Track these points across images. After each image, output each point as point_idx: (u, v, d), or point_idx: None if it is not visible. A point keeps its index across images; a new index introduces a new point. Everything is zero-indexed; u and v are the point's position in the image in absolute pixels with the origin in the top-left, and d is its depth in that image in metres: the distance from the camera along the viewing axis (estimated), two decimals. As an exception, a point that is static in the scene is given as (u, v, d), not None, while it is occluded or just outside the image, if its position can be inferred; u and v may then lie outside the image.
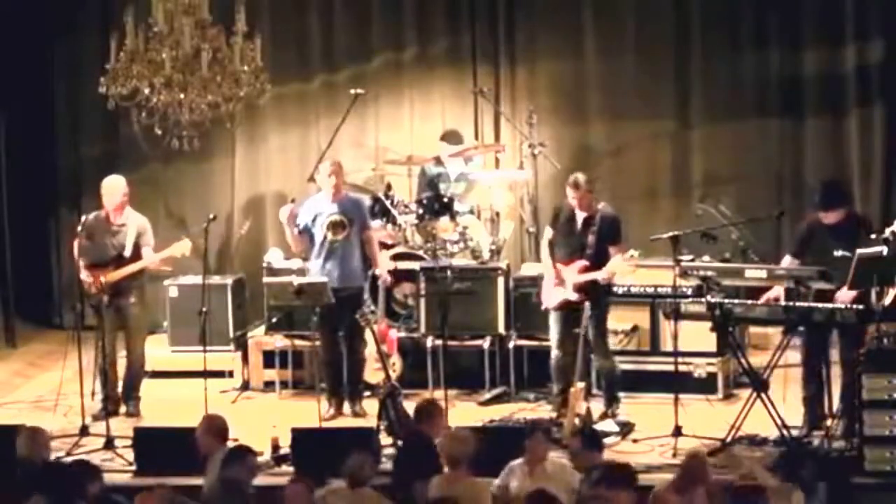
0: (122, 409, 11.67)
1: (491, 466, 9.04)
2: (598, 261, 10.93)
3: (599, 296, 10.98)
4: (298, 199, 11.93)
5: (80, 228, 11.49)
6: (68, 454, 10.46)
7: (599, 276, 10.87)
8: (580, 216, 11.04)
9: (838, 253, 10.36)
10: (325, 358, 11.55)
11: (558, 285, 11.02)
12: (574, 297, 10.97)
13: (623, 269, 10.91)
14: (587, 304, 10.93)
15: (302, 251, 11.81)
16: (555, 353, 11.19)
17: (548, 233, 11.31)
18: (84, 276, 11.51)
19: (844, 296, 10.22)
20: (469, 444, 8.78)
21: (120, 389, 11.75)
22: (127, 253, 11.51)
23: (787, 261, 10.69)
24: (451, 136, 13.23)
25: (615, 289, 11.91)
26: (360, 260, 11.57)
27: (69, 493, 8.27)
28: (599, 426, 10.72)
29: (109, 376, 11.59)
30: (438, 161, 13.12)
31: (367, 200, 12.45)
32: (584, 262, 10.95)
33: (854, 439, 10.00)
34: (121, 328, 11.71)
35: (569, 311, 11.05)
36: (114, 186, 11.68)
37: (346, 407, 11.57)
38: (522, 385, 12.04)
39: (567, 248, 11.07)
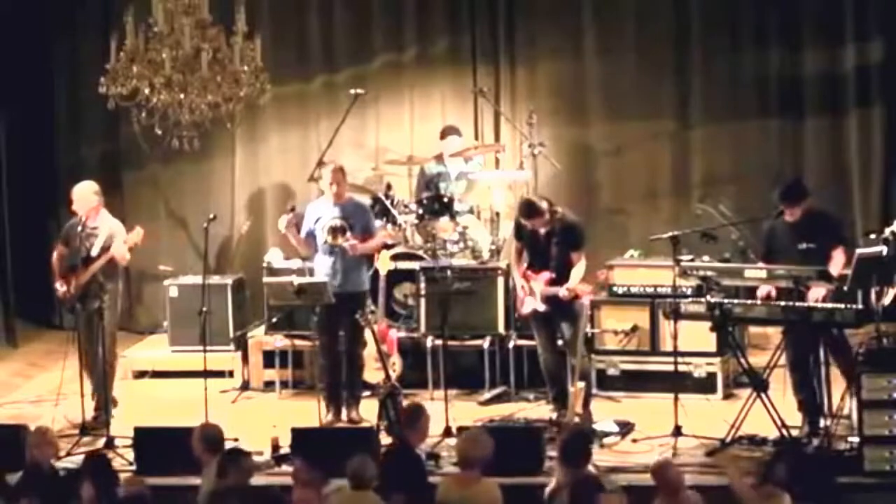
0: (92, 415, 11.31)
1: (491, 467, 9.01)
2: (563, 270, 10.94)
3: (569, 305, 10.96)
4: (297, 206, 11.88)
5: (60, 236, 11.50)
6: (68, 454, 10.47)
7: (560, 292, 10.86)
8: (541, 229, 11.04)
9: (802, 246, 10.43)
10: (323, 362, 11.47)
11: (527, 295, 11.04)
12: (542, 307, 11.00)
13: (581, 290, 10.89)
14: (530, 313, 10.97)
15: (311, 255, 11.74)
16: (542, 356, 11.21)
17: (514, 245, 11.33)
18: (58, 284, 11.39)
19: (817, 292, 10.26)
20: (485, 447, 8.73)
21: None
22: (94, 254, 11.30)
23: (761, 265, 10.72)
24: (450, 130, 13.21)
25: (615, 289, 11.95)
26: (362, 264, 11.52)
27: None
28: (599, 426, 10.73)
29: (92, 380, 11.39)
30: (439, 159, 13.12)
31: (365, 202, 12.46)
32: (549, 275, 10.96)
33: (852, 439, 10.02)
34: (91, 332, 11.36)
35: (547, 315, 11.06)
36: (84, 191, 11.48)
37: (343, 412, 11.47)
38: (522, 385, 12.03)
39: (534, 259, 11.10)
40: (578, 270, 10.95)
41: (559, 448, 8.85)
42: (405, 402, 10.85)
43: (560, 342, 11.13)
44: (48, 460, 9.11)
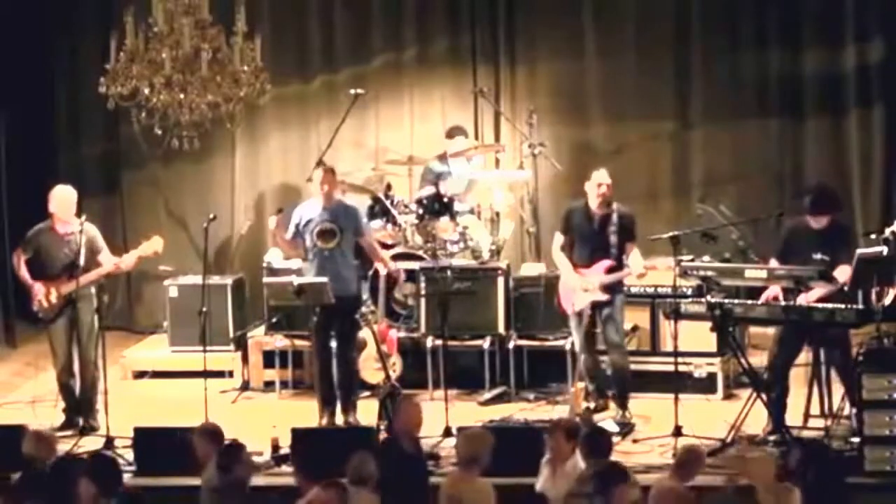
0: (80, 421, 11.31)
1: (491, 467, 9.00)
2: (620, 258, 11.04)
3: (618, 293, 11.09)
4: (286, 209, 11.84)
5: (23, 243, 11.37)
6: (68, 454, 10.46)
7: (636, 271, 10.97)
8: (597, 216, 11.07)
9: (817, 256, 10.40)
10: (317, 366, 11.37)
11: (583, 290, 11.04)
12: (604, 297, 11.01)
13: (641, 268, 11.05)
14: (586, 306, 10.99)
15: (298, 255, 11.71)
16: (582, 356, 11.20)
17: (559, 239, 11.29)
18: (37, 291, 11.26)
19: (809, 296, 10.27)
20: (480, 445, 8.70)
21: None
22: (81, 261, 11.14)
23: (773, 264, 10.71)
24: (457, 131, 13.18)
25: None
26: (351, 268, 11.41)
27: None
28: (599, 426, 10.72)
29: (70, 387, 11.37)
30: (442, 158, 13.08)
31: (365, 202, 12.44)
32: (609, 262, 11.02)
33: (854, 439, 10.02)
34: (73, 336, 11.27)
35: (586, 314, 11.10)
36: (70, 196, 11.34)
37: (339, 417, 11.34)
38: (522, 385, 12.04)
39: (587, 250, 11.11)
40: (639, 256, 11.05)
41: (582, 442, 8.84)
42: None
43: (614, 340, 11.13)
44: (45, 460, 9.07)
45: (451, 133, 13.20)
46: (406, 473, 8.79)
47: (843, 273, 10.27)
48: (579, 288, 11.06)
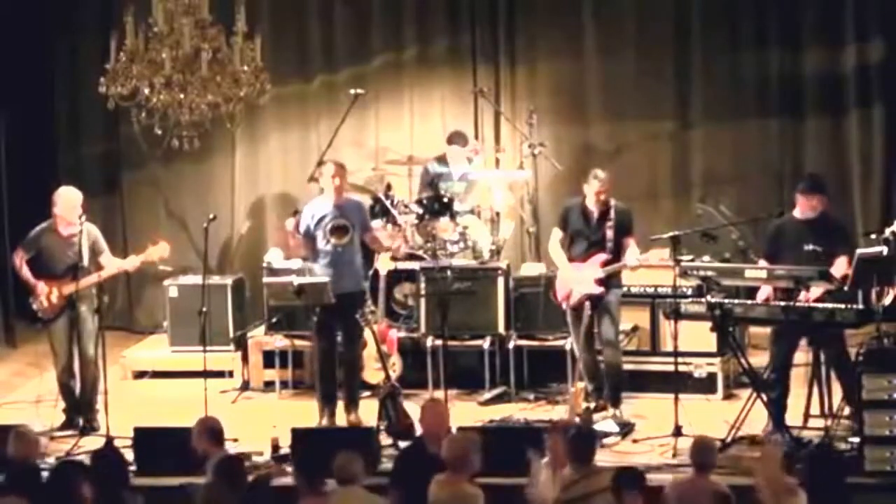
0: (80, 421, 11.30)
1: (491, 467, 9.01)
2: (616, 253, 11.08)
3: (614, 288, 11.13)
4: (301, 208, 11.86)
5: (25, 243, 11.37)
6: (68, 454, 10.47)
7: (629, 264, 11.02)
8: (595, 212, 11.13)
9: (808, 247, 10.45)
10: (319, 366, 11.33)
11: (579, 282, 11.07)
12: (598, 290, 11.04)
13: (636, 261, 11.10)
14: (587, 304, 11.00)
15: (310, 255, 11.71)
16: (582, 356, 11.20)
17: (556, 234, 11.36)
18: (41, 291, 11.25)
19: (810, 294, 10.29)
20: (464, 447, 8.63)
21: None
22: (85, 262, 11.18)
23: (762, 265, 10.73)
24: (458, 138, 13.15)
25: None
26: (360, 264, 11.48)
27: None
28: (599, 426, 10.72)
29: (70, 387, 11.38)
30: (442, 160, 13.08)
31: (365, 202, 12.43)
32: (605, 256, 11.06)
33: (855, 439, 10.03)
34: (73, 336, 11.28)
35: (582, 313, 11.10)
36: (75, 198, 11.31)
37: (342, 415, 11.33)
38: (522, 385, 12.03)
39: (585, 244, 11.19)
40: (635, 249, 11.11)
41: (568, 445, 8.79)
42: (405, 402, 10.87)
43: (608, 336, 11.15)
44: (31, 459, 9.03)
45: (451, 139, 13.19)
46: (430, 475, 8.73)
47: (839, 266, 10.30)
48: (574, 281, 11.09)
